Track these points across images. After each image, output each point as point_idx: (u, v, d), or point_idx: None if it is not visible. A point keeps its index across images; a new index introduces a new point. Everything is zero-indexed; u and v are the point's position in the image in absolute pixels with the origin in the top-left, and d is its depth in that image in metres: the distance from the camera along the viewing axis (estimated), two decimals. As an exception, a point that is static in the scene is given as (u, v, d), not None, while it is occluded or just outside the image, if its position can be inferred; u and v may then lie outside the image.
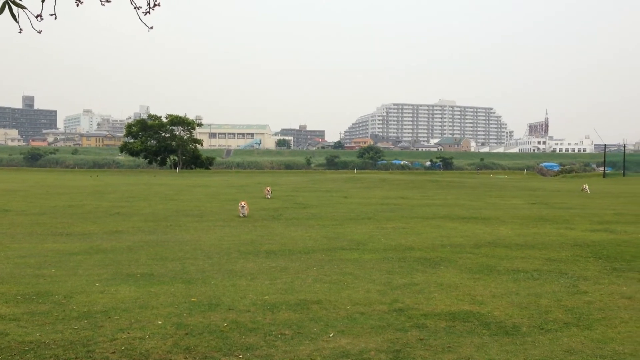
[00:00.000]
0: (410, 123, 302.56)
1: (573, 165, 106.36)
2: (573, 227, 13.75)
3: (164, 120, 77.47)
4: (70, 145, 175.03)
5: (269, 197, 21.59)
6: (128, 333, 5.33)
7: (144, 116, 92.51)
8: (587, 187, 28.72)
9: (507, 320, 5.87)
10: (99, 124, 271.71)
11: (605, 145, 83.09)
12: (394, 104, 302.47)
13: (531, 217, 16.10)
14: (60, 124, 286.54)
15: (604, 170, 65.19)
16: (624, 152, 66.42)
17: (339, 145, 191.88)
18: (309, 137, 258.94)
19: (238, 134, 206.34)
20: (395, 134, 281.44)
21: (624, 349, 5.03)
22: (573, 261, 9.21)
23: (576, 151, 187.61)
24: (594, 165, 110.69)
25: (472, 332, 5.49)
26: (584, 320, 5.88)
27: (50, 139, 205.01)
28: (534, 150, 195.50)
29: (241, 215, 15.73)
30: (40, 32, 3.69)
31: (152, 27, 3.99)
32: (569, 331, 5.53)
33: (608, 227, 13.69)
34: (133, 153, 77.77)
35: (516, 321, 5.83)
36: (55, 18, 3.62)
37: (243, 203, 16.15)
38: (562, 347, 5.07)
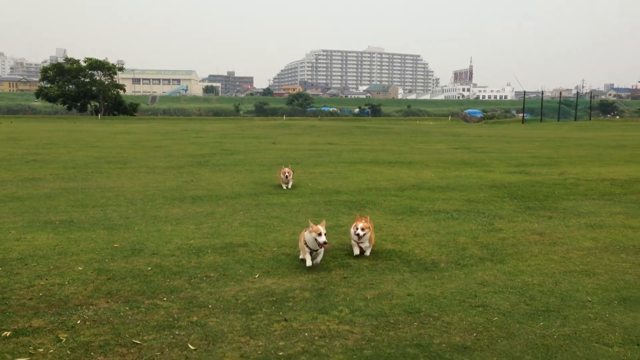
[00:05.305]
0: (340, 70, 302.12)
1: (495, 112, 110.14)
2: (492, 170, 14.33)
3: (83, 64, 73.57)
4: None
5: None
6: (46, 279, 5.18)
7: (61, 60, 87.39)
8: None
9: (426, 257, 6.11)
10: (12, 68, 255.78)
11: (524, 92, 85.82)
12: (323, 51, 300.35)
13: (453, 161, 16.62)
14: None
15: (523, 116, 67.58)
16: (542, 99, 68.87)
17: (268, 92, 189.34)
18: (237, 83, 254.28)
19: (163, 79, 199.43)
20: (324, 81, 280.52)
21: (533, 280, 5.36)
22: (490, 201, 9.64)
23: (498, 98, 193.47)
24: (514, 112, 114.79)
25: (394, 269, 5.69)
26: (498, 255, 6.21)
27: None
28: (458, 97, 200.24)
29: (285, 187, 10.97)
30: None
31: None
32: (483, 265, 5.83)
33: (524, 169, 14.35)
34: (50, 99, 73.73)
35: (435, 258, 6.08)
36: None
37: (287, 170, 10.93)
38: (476, 280, 5.35)
